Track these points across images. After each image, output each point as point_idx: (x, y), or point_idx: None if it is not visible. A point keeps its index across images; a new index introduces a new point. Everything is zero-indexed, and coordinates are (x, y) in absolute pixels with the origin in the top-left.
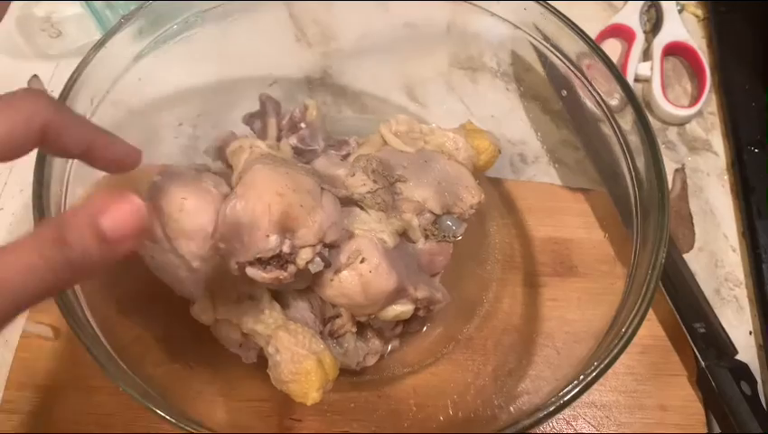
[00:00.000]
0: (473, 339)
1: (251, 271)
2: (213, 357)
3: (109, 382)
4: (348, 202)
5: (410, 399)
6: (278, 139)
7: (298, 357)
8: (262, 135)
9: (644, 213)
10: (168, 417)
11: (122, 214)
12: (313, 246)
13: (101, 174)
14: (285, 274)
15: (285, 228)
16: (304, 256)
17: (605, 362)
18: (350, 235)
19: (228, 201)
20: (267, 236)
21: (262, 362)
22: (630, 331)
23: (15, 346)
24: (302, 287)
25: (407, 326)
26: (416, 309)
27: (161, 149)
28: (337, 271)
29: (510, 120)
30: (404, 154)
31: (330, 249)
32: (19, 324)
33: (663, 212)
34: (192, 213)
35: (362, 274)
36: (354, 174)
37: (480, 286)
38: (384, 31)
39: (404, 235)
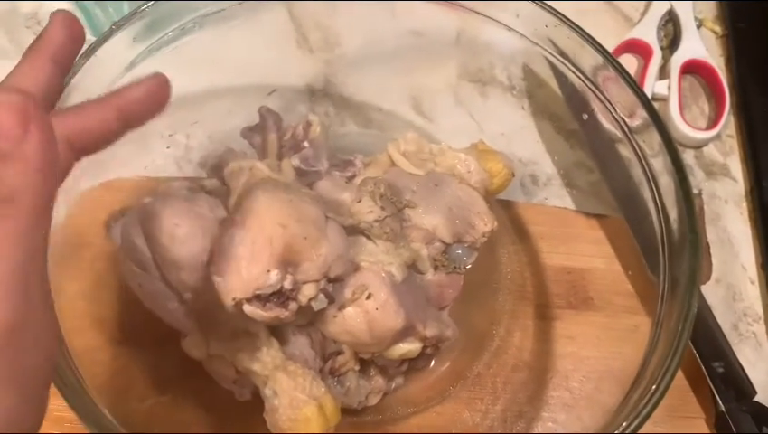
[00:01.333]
0: (482, 376)
1: (249, 309)
2: (203, 392)
3: None
4: (353, 231)
5: None
6: (279, 157)
7: (297, 402)
8: (262, 152)
9: (672, 252)
10: None
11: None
12: (317, 281)
13: (85, 187)
14: (287, 313)
15: (287, 262)
16: (307, 292)
17: (635, 423)
18: (355, 268)
19: (225, 228)
20: (268, 271)
21: (257, 399)
22: (662, 388)
23: None
24: (303, 322)
25: (413, 363)
26: (424, 347)
27: (153, 160)
28: (341, 307)
29: (521, 138)
30: (413, 176)
31: (334, 283)
32: None
33: (697, 253)
34: (185, 241)
35: (368, 311)
36: (361, 200)
37: (489, 318)
38: (390, 38)
39: (412, 266)
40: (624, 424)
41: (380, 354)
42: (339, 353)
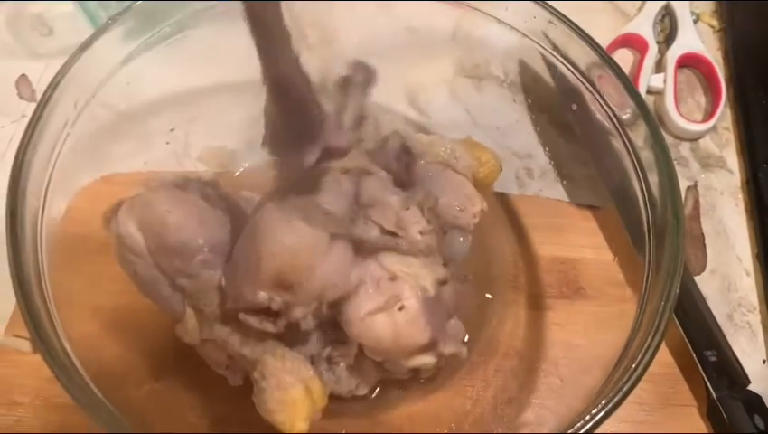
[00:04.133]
0: (474, 363)
1: (243, 316)
2: (198, 377)
3: None
4: (379, 246)
5: (405, 427)
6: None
7: (285, 385)
8: (337, 118)
9: (658, 238)
10: None
11: None
12: (307, 306)
13: (86, 181)
14: (274, 329)
15: (279, 285)
16: (296, 314)
17: (615, 400)
18: (391, 276)
19: (242, 234)
20: (257, 292)
21: (249, 384)
22: (641, 366)
23: None
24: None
25: (418, 373)
26: (438, 361)
27: (152, 155)
28: (371, 313)
29: (516, 132)
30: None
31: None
32: None
33: (678, 238)
34: (177, 228)
35: (397, 322)
36: (409, 208)
37: (482, 307)
38: (386, 35)
39: (443, 283)
40: (604, 401)
41: (394, 360)
42: (341, 342)
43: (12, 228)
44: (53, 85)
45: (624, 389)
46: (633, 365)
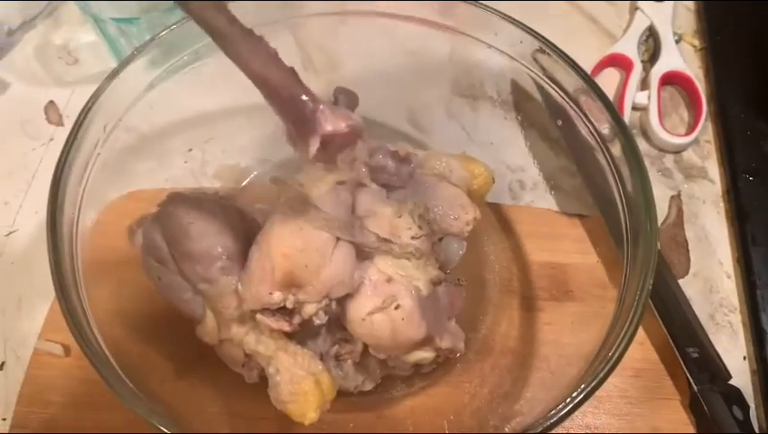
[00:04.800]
0: (470, 361)
1: (260, 317)
2: (216, 376)
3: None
4: (377, 249)
5: (408, 419)
6: None
7: (297, 378)
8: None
9: (634, 238)
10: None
11: None
12: (318, 302)
13: (113, 196)
14: (289, 326)
15: (291, 284)
16: (308, 311)
17: (593, 384)
18: (387, 278)
19: (255, 243)
20: (271, 293)
21: (264, 382)
22: (617, 354)
23: (27, 363)
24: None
25: (420, 368)
26: (436, 356)
27: (171, 173)
28: (371, 313)
29: (509, 147)
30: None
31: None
32: (31, 341)
33: (651, 237)
34: (198, 237)
35: (394, 320)
36: (401, 216)
37: (478, 310)
38: (388, 58)
39: (436, 283)
40: (582, 386)
41: (396, 356)
42: (347, 340)
43: (53, 238)
44: (86, 110)
45: (602, 374)
46: (611, 353)
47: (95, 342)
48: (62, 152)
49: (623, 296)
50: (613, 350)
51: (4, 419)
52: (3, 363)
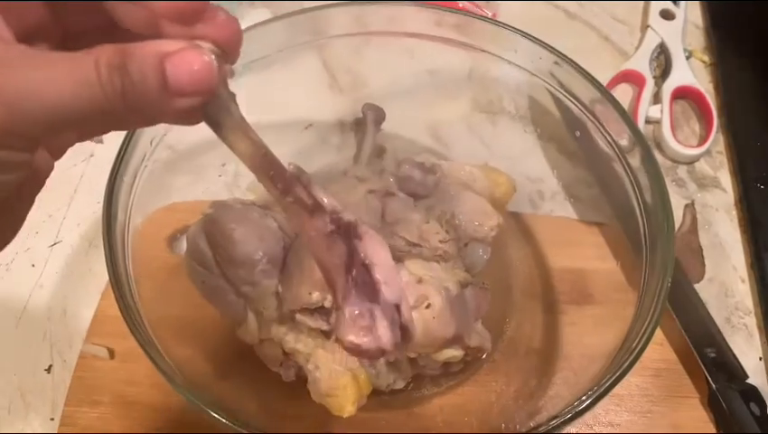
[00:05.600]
0: (496, 362)
1: (300, 317)
2: (255, 376)
3: (156, 399)
4: (407, 253)
5: (437, 416)
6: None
7: (335, 373)
8: (358, 149)
9: (652, 244)
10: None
11: (189, 66)
12: None
13: (161, 204)
14: (327, 326)
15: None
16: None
17: (616, 374)
18: (418, 279)
19: (292, 247)
20: (310, 293)
21: (299, 381)
22: (639, 346)
23: (73, 366)
24: None
25: (448, 367)
26: (465, 354)
27: (207, 187)
28: None
29: (528, 160)
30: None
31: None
32: (76, 346)
33: (669, 241)
34: (241, 242)
35: (426, 319)
36: (429, 222)
37: (503, 313)
38: (409, 77)
39: (464, 285)
40: (608, 376)
41: (426, 355)
42: None
43: (110, 243)
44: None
45: (625, 365)
46: (633, 345)
47: (149, 338)
48: (115, 162)
49: (643, 296)
50: (635, 342)
51: (52, 419)
52: (50, 366)
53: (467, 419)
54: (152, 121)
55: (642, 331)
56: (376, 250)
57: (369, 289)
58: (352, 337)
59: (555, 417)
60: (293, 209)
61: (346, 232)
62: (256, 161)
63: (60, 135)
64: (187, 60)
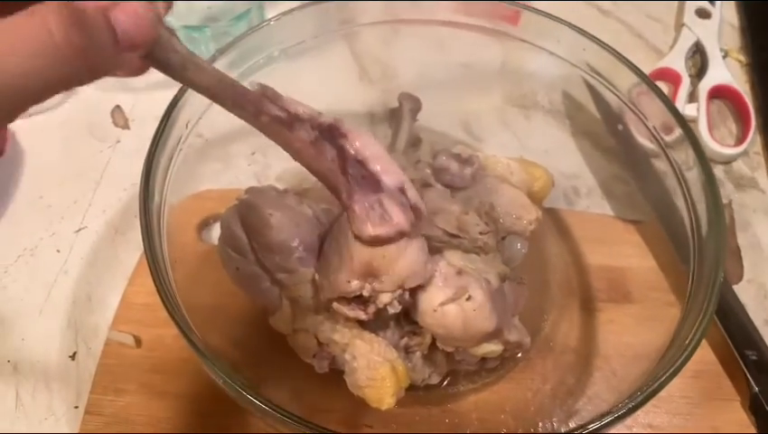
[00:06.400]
0: (532, 359)
1: (336, 306)
2: (285, 367)
3: (183, 389)
4: (446, 243)
5: (472, 413)
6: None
7: (374, 364)
8: (393, 138)
9: (701, 247)
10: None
11: (134, 16)
12: (393, 291)
13: (192, 190)
14: (365, 314)
15: (368, 274)
16: (384, 300)
17: (668, 373)
18: (458, 271)
19: (330, 235)
20: (349, 281)
21: (333, 374)
22: (692, 343)
23: (99, 354)
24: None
25: (485, 363)
26: (504, 350)
27: (237, 175)
28: (442, 304)
29: (562, 155)
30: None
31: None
32: (101, 333)
33: (722, 234)
34: (278, 228)
35: (466, 311)
36: (468, 213)
37: (539, 310)
38: (441, 69)
39: (504, 278)
40: (660, 373)
41: (464, 349)
42: (415, 333)
43: (147, 223)
44: (173, 104)
45: (676, 365)
46: (686, 342)
47: (185, 320)
48: (152, 142)
49: (693, 291)
50: (687, 340)
51: (76, 407)
52: (75, 353)
53: (503, 416)
54: (100, 76)
55: (695, 328)
56: (364, 144)
57: (370, 182)
58: (370, 229)
59: (603, 415)
60: (272, 129)
61: (330, 134)
62: (216, 90)
63: (23, 110)
64: (129, 10)
